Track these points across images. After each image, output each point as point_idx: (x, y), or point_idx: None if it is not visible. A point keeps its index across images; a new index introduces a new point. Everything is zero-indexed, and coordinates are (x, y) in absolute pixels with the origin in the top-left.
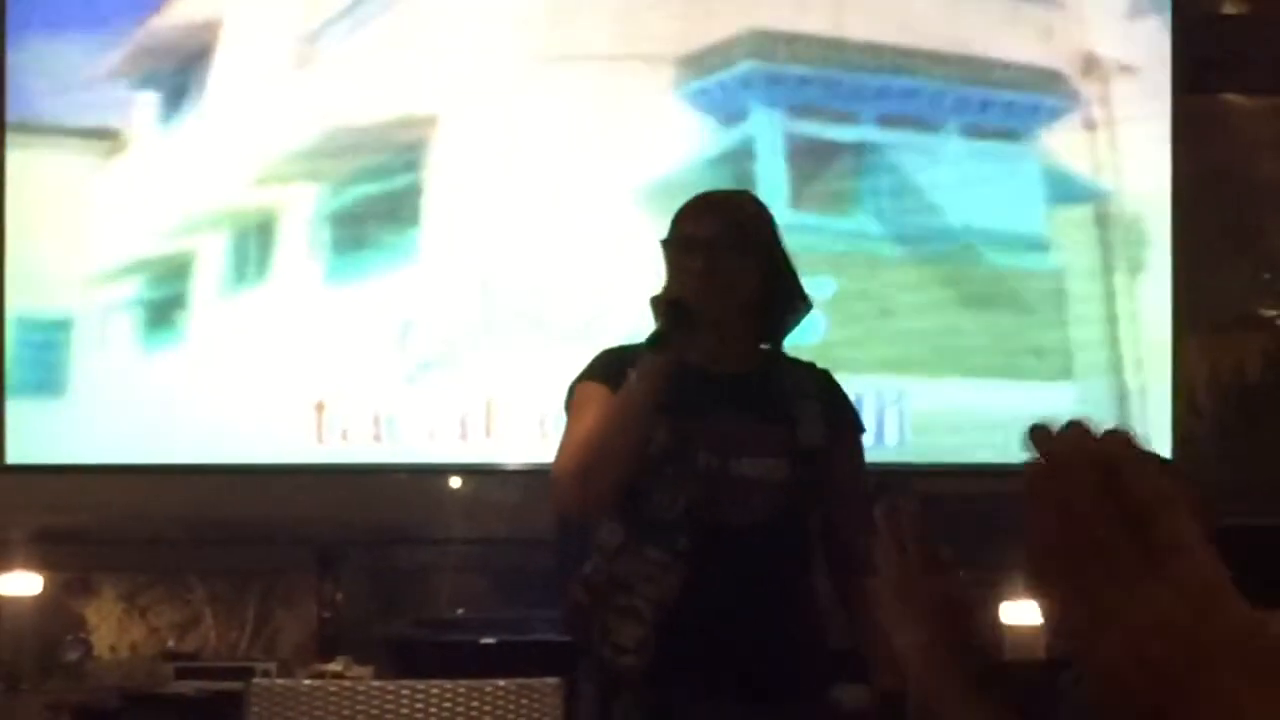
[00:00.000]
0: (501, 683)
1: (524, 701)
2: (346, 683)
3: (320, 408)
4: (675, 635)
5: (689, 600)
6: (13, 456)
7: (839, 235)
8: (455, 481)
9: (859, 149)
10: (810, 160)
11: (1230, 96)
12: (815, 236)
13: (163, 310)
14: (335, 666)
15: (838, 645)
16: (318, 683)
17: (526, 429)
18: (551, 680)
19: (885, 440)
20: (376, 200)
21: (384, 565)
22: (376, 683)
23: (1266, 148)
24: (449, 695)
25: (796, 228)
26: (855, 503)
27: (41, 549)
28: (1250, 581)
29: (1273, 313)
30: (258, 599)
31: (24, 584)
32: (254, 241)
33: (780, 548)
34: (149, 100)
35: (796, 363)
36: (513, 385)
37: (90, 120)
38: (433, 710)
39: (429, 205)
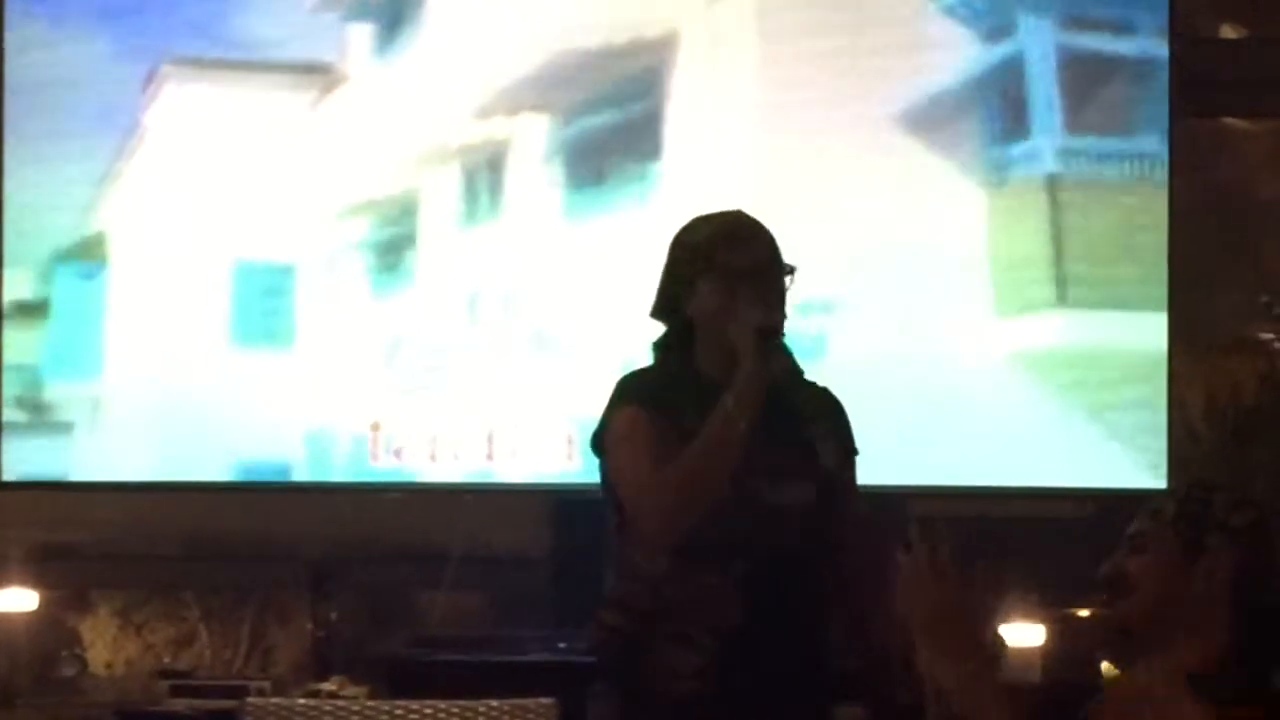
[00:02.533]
0: (495, 703)
1: None
2: (341, 702)
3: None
4: (735, 661)
5: (748, 626)
6: (245, 412)
7: (1120, 158)
8: (454, 499)
9: (1139, 63)
10: (1086, 77)
11: (1229, 119)
12: (1093, 161)
13: (391, 252)
14: (330, 685)
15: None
16: (312, 701)
17: None
18: (545, 700)
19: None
20: (613, 130)
21: (380, 583)
22: (371, 702)
23: (1265, 170)
24: (443, 715)
25: (1073, 152)
26: (858, 521)
27: (37, 565)
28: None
29: (1269, 336)
30: (253, 616)
31: (19, 600)
32: (484, 177)
33: (813, 571)
34: (363, 31)
35: (802, 382)
36: None
37: (304, 54)
38: None
39: (669, 134)
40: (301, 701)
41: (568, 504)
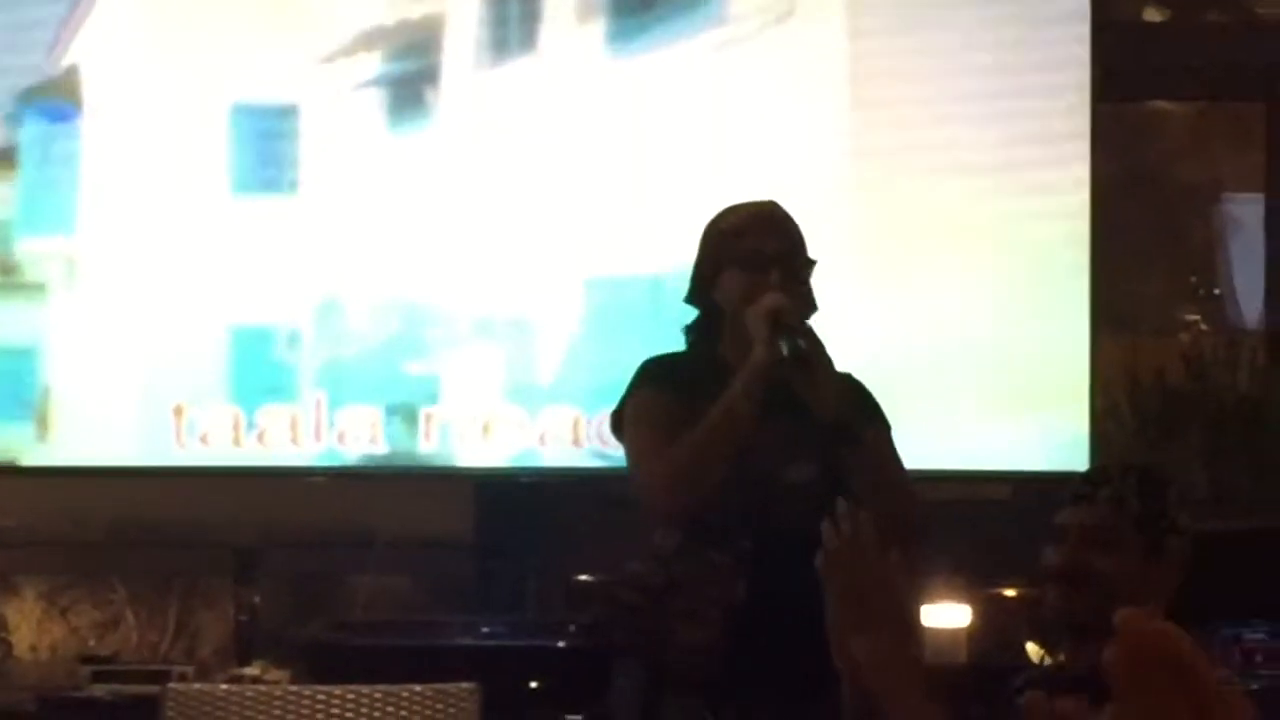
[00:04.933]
0: (417, 688)
1: (439, 707)
2: (263, 687)
3: None
4: (742, 638)
5: (754, 604)
6: (244, 257)
7: None
8: (378, 484)
9: None
10: None
11: (1152, 103)
12: None
13: (406, 89)
14: (253, 670)
15: None
16: (233, 687)
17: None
18: (467, 685)
19: None
20: None
21: (306, 568)
22: (292, 687)
23: (1188, 153)
24: (364, 700)
25: None
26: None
27: None
28: (1183, 588)
29: (1195, 317)
30: (180, 600)
31: None
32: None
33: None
34: None
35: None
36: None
37: None
38: (348, 715)
39: None
40: (223, 687)
41: (493, 488)
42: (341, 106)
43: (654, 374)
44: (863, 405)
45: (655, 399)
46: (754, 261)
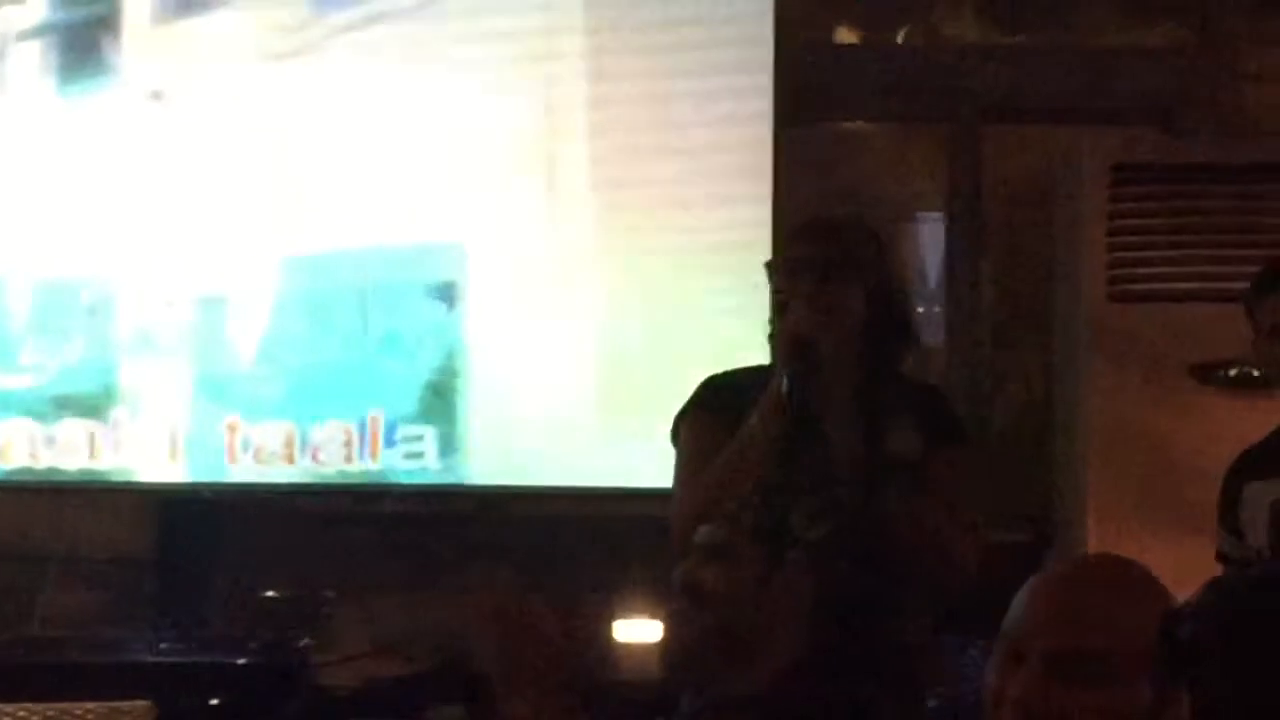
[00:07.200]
0: (91, 705)
1: None
2: None
3: None
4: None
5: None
6: None
7: None
8: (59, 498)
9: None
10: None
11: (845, 124)
12: None
13: (82, 39)
14: None
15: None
16: None
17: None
18: (141, 703)
19: None
20: None
21: None
22: None
23: (884, 172)
24: (36, 718)
25: None
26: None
27: None
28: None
29: None
30: None
31: None
32: None
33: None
34: None
35: (901, 380)
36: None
37: None
38: None
39: None
40: None
41: (177, 503)
42: (6, 55)
43: (705, 396)
44: (934, 423)
45: (699, 424)
46: (789, 270)
